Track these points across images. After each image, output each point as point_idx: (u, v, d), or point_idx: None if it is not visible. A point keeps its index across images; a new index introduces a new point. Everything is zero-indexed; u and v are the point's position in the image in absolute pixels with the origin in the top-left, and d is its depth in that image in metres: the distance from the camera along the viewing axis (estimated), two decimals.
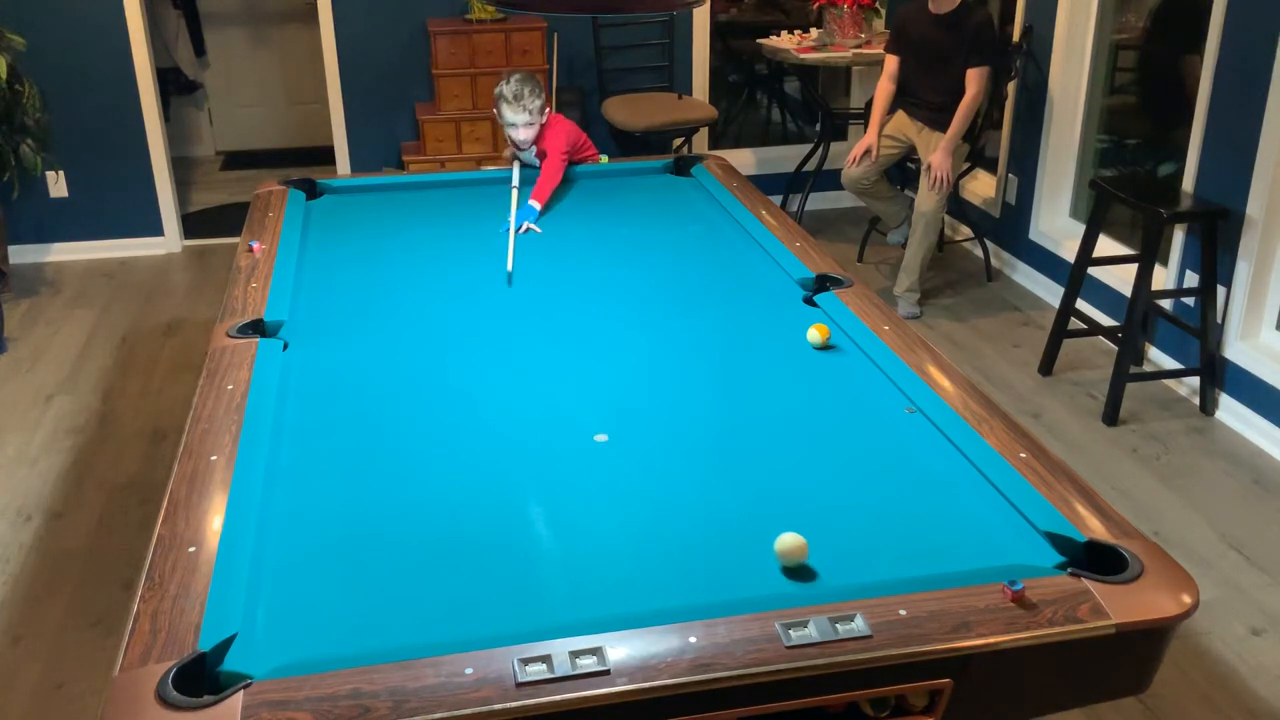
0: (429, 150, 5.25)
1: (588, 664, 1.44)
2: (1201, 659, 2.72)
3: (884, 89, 4.65)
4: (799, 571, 1.68)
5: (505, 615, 1.58)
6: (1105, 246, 4.25)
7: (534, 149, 3.63)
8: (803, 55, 5.23)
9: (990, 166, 5.23)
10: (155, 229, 5.41)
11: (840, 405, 2.18)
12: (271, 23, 6.78)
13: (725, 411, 2.18)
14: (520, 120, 3.55)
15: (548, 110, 3.65)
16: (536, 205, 3.33)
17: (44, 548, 3.14)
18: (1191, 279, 3.88)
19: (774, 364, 2.37)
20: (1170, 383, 4.01)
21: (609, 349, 2.45)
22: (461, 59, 5.15)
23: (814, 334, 2.41)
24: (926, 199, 4.46)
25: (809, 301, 2.66)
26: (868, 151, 4.63)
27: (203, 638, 1.49)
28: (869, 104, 4.80)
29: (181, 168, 6.23)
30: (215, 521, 1.75)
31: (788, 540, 1.68)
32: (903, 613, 1.53)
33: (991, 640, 1.50)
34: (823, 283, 2.71)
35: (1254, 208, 3.59)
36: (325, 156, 5.70)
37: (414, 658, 1.45)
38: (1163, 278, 4.03)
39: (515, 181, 3.45)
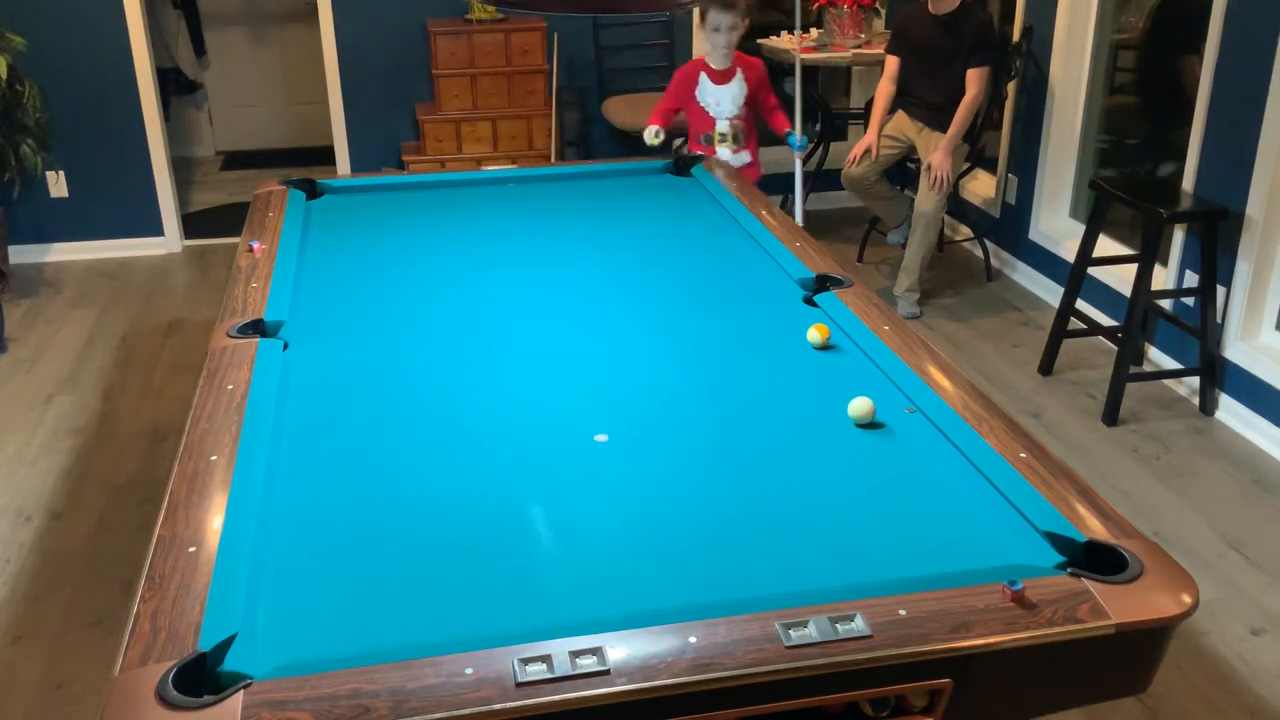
0: (429, 150, 5.25)
1: (588, 664, 1.44)
2: (1201, 659, 2.72)
3: (884, 89, 4.65)
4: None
5: (505, 615, 1.58)
6: (1105, 246, 4.25)
7: (736, 81, 4.12)
8: (803, 55, 5.22)
9: (990, 166, 5.23)
10: (155, 229, 5.42)
11: (840, 405, 2.17)
12: (271, 23, 6.79)
13: (725, 411, 2.18)
14: (725, 23, 3.99)
15: (748, 20, 4.16)
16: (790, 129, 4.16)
17: (44, 548, 3.15)
18: (1191, 279, 3.88)
19: (774, 364, 2.37)
20: (1170, 383, 4.01)
21: (609, 349, 2.45)
22: (461, 59, 5.16)
23: (814, 334, 2.41)
24: (926, 199, 4.47)
25: (809, 301, 2.66)
26: (867, 151, 4.63)
27: (203, 638, 1.49)
28: (869, 104, 4.80)
29: (181, 168, 6.24)
30: (215, 521, 1.75)
31: (859, 405, 2.07)
32: (903, 613, 1.53)
33: (991, 640, 1.50)
34: (823, 283, 2.71)
35: (1254, 208, 3.59)
36: (325, 156, 5.70)
37: (414, 658, 1.45)
38: (1163, 278, 4.03)
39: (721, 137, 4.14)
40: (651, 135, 4.10)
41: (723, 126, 4.16)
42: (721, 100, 4.14)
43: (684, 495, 1.89)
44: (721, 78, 4.14)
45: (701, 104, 4.16)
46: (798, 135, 4.23)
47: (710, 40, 4.08)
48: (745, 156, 4.20)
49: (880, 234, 5.09)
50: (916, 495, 1.89)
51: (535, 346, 2.45)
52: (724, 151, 4.16)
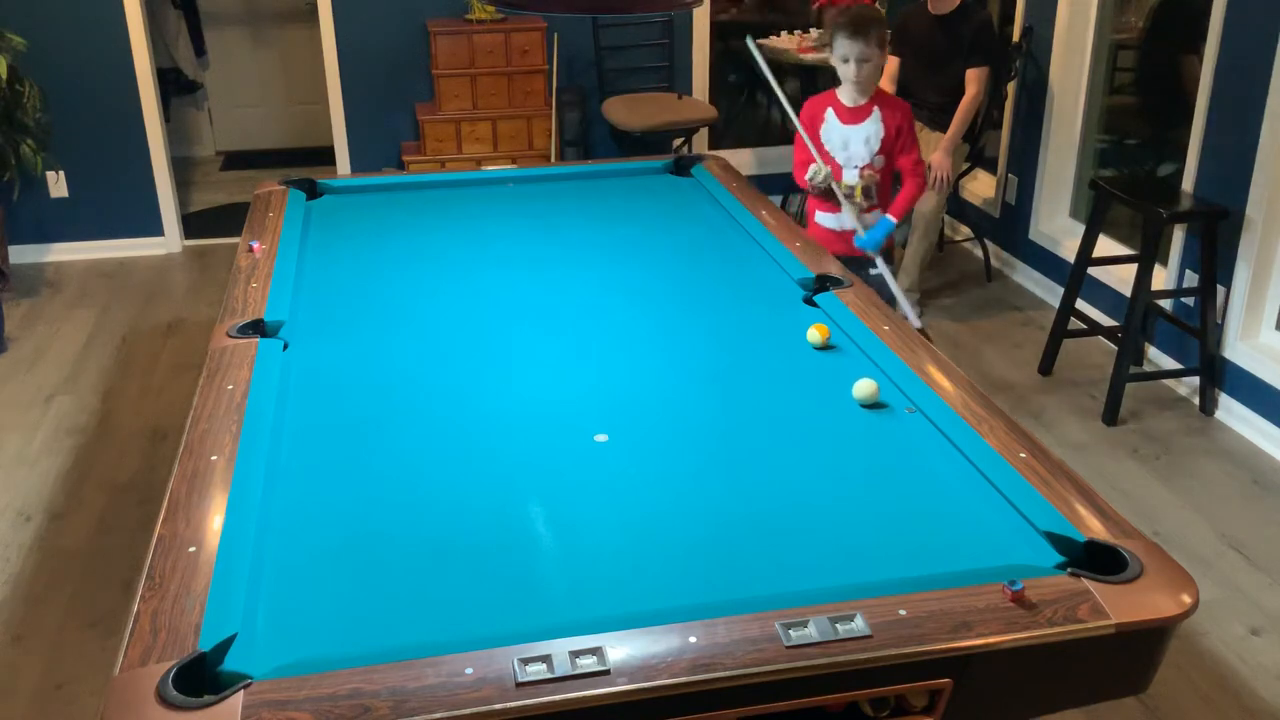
0: (429, 150, 5.25)
1: (588, 664, 1.44)
2: (1201, 659, 2.72)
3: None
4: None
5: (505, 615, 1.58)
6: (1105, 246, 4.25)
7: (871, 121, 3.29)
8: (803, 55, 5.23)
9: (990, 166, 5.23)
10: (155, 229, 5.42)
11: (840, 405, 2.18)
12: (271, 23, 6.79)
13: (725, 412, 2.18)
14: (853, 53, 3.20)
15: (886, 51, 3.30)
16: (894, 219, 3.28)
17: (44, 548, 3.14)
18: (1191, 279, 3.88)
19: (774, 364, 2.37)
20: (1170, 383, 4.01)
21: (609, 349, 2.45)
22: (461, 59, 5.16)
23: (814, 334, 2.42)
24: (926, 199, 4.46)
25: (809, 301, 2.66)
26: None
27: (203, 638, 1.49)
28: None
29: (181, 168, 6.24)
30: (215, 521, 1.75)
31: (863, 387, 2.15)
32: (903, 613, 1.53)
33: (991, 640, 1.51)
34: (823, 283, 2.71)
35: (1254, 208, 3.59)
36: (325, 156, 5.70)
37: (414, 658, 1.45)
38: (1163, 278, 4.03)
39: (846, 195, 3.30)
40: (818, 175, 3.29)
41: (850, 177, 3.31)
42: (850, 144, 3.31)
43: (684, 495, 1.89)
44: (852, 117, 3.31)
45: (827, 147, 3.34)
46: (885, 228, 3.29)
47: (840, 73, 3.30)
48: (874, 217, 3.36)
49: None
50: (916, 495, 1.89)
51: (535, 346, 2.45)
52: (850, 209, 3.32)
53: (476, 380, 2.30)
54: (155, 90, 5.21)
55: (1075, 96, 4.64)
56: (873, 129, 3.29)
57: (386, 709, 1.37)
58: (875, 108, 3.30)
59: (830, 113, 3.35)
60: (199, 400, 2.13)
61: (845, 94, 3.33)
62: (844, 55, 3.23)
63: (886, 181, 3.38)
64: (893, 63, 4.63)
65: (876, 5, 5.42)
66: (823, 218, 3.42)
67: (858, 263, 3.25)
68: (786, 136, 6.58)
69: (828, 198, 3.36)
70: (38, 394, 4.02)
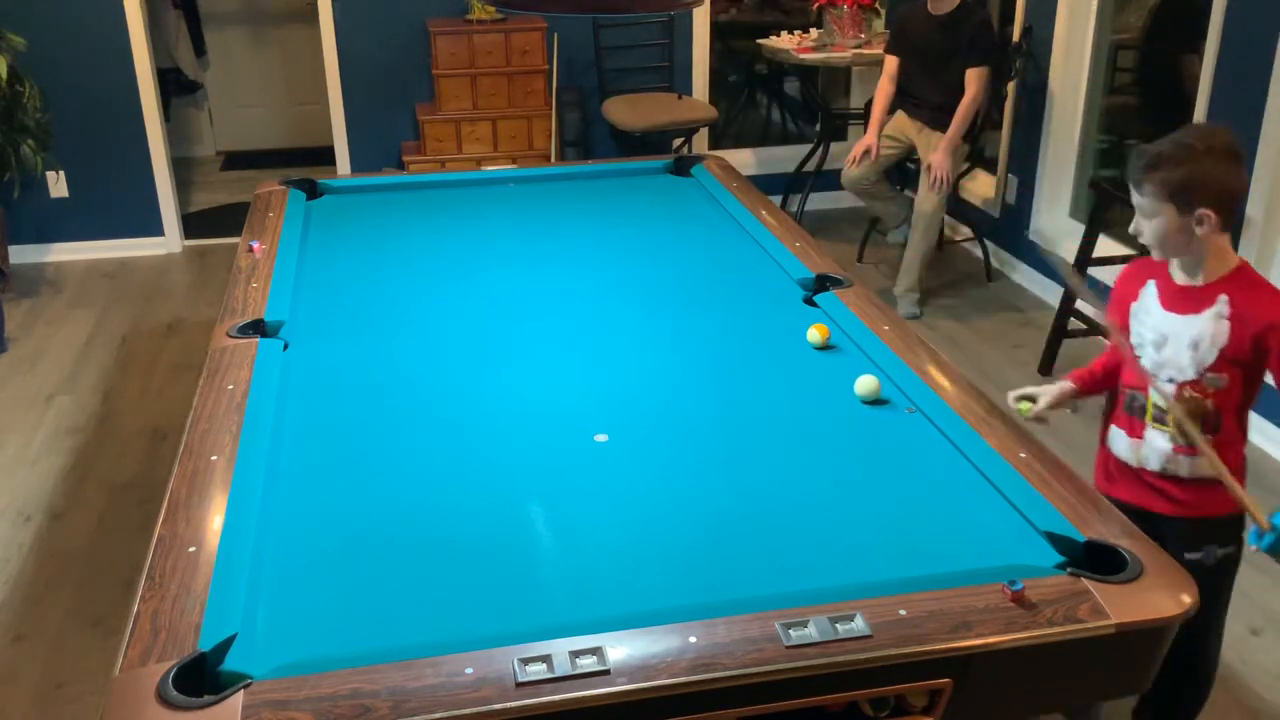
0: (429, 150, 5.25)
1: (588, 664, 1.44)
2: None
3: (884, 89, 4.65)
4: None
5: (505, 615, 1.59)
6: (1105, 246, 4.25)
7: (1209, 318, 1.97)
8: (803, 55, 5.23)
9: (990, 166, 5.23)
10: (155, 229, 5.41)
11: (840, 405, 2.18)
12: (271, 23, 6.79)
13: (725, 412, 2.18)
14: (1142, 208, 1.97)
15: (1206, 221, 1.91)
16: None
17: (44, 548, 3.14)
18: None
19: (774, 364, 2.37)
20: None
21: (609, 349, 2.45)
22: (461, 59, 5.16)
23: (814, 334, 2.42)
24: (926, 199, 4.47)
25: (809, 301, 2.66)
26: (867, 151, 4.63)
27: (203, 638, 1.49)
28: (869, 104, 4.80)
29: (181, 168, 6.23)
30: (215, 521, 1.75)
31: (865, 383, 2.19)
32: (903, 613, 1.53)
33: (991, 640, 1.51)
34: (822, 283, 2.71)
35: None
36: (325, 156, 5.70)
37: (414, 658, 1.45)
38: None
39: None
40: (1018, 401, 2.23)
41: (1161, 395, 2.01)
42: (1169, 342, 2.01)
43: (684, 495, 1.89)
44: (1182, 302, 2.02)
45: (1135, 338, 2.07)
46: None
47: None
48: (1198, 465, 2.06)
49: (880, 234, 5.09)
50: (917, 495, 1.89)
51: (535, 347, 2.46)
52: (1158, 439, 2.06)
53: (476, 380, 2.31)
54: (155, 90, 5.21)
55: (1075, 96, 4.63)
56: (1209, 328, 1.97)
57: (386, 709, 1.37)
58: (1223, 295, 1.97)
59: (1151, 288, 2.07)
60: (199, 400, 2.13)
61: (1176, 264, 2.04)
62: (1139, 209, 1.99)
63: (1230, 410, 2.05)
64: (892, 62, 4.63)
65: (877, 6, 5.42)
66: (1117, 440, 2.15)
67: (1154, 521, 2.05)
68: (786, 137, 6.62)
69: (1133, 415, 2.10)
70: (38, 394, 4.02)
